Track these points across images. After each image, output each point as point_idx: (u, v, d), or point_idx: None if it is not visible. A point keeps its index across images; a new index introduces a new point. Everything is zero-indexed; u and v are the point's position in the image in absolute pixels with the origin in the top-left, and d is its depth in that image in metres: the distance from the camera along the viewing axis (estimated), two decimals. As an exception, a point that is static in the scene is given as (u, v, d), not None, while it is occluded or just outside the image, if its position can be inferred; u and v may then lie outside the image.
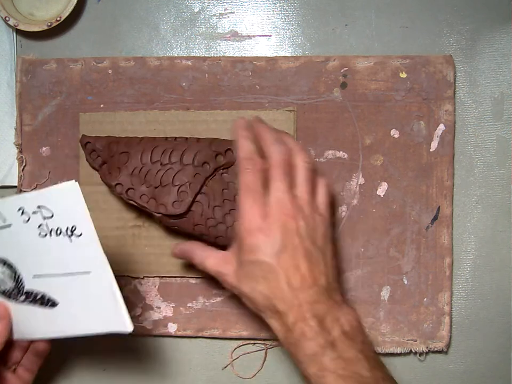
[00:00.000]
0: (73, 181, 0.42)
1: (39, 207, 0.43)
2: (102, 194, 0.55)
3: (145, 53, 0.57)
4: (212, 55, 0.56)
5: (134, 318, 0.56)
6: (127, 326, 0.43)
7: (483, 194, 0.55)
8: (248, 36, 0.56)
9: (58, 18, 0.55)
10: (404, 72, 0.54)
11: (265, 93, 0.55)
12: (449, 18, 0.55)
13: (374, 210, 0.54)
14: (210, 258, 0.47)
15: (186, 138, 0.53)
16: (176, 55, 0.56)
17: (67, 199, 0.42)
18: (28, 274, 0.46)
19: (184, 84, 0.55)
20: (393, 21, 0.55)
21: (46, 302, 0.46)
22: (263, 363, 0.56)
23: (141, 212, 0.54)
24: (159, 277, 0.56)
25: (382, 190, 0.54)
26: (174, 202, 0.50)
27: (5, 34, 0.57)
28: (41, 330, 0.47)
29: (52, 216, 0.43)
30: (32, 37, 0.57)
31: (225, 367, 0.56)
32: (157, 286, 0.56)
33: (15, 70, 0.57)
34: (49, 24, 0.55)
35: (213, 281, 0.55)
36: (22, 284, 0.46)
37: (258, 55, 0.56)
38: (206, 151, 0.51)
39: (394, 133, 0.54)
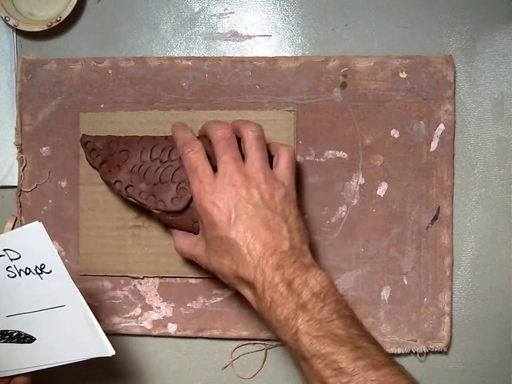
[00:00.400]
0: (37, 221, 0.42)
1: (4, 250, 0.43)
2: (101, 194, 0.55)
3: (145, 53, 0.57)
4: (212, 55, 0.56)
5: (133, 318, 0.56)
6: (108, 351, 0.44)
7: (483, 194, 0.55)
8: (248, 35, 0.56)
9: (58, 18, 0.55)
10: (403, 72, 0.54)
11: (265, 93, 0.55)
12: (449, 18, 0.55)
13: (374, 210, 0.54)
14: (185, 244, 0.49)
15: None
16: (176, 55, 0.56)
17: (32, 239, 0.43)
18: (1, 315, 0.46)
19: (184, 84, 0.55)
20: (393, 21, 0.55)
21: (23, 338, 0.47)
22: (263, 363, 0.56)
23: (141, 210, 0.54)
24: (158, 277, 0.56)
25: (382, 190, 0.54)
26: (173, 199, 0.50)
27: (5, 34, 0.57)
28: (21, 364, 0.47)
29: (19, 257, 0.43)
30: (32, 37, 0.57)
31: (225, 367, 0.56)
32: (156, 286, 0.56)
33: (15, 70, 0.57)
34: (49, 24, 0.55)
35: (213, 281, 0.55)
36: None
37: (258, 55, 0.56)
38: (206, 149, 0.51)
39: (394, 133, 0.54)
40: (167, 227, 0.54)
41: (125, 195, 0.51)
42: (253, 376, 0.56)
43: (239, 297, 0.55)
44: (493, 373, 0.55)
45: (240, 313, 0.55)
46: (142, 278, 0.56)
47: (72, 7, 0.54)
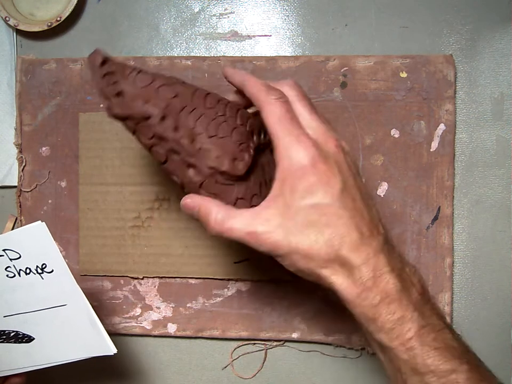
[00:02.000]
0: (40, 221, 0.42)
1: (4, 250, 0.43)
2: (101, 194, 0.55)
3: (145, 52, 0.57)
4: (212, 55, 0.56)
5: (133, 318, 0.56)
6: (110, 350, 0.44)
7: (483, 194, 0.55)
8: (248, 35, 0.56)
9: (58, 18, 0.55)
10: (404, 72, 0.54)
11: (265, 92, 0.55)
12: (449, 18, 0.55)
13: (374, 210, 0.54)
14: (238, 218, 0.36)
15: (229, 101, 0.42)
16: (176, 55, 0.56)
17: (34, 239, 0.42)
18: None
19: (184, 84, 0.55)
20: (393, 21, 0.55)
21: (20, 338, 0.46)
22: (263, 363, 0.56)
23: (143, 212, 0.54)
24: (158, 277, 0.56)
25: (382, 190, 0.54)
26: (234, 159, 0.38)
27: (5, 34, 0.57)
28: (20, 364, 0.47)
29: (20, 257, 0.43)
30: (32, 37, 0.57)
31: (225, 367, 0.56)
32: (156, 286, 0.56)
33: (15, 70, 0.57)
34: (49, 24, 0.55)
35: (213, 281, 0.55)
36: None
37: (258, 55, 0.56)
38: (257, 122, 0.41)
39: (395, 133, 0.54)
40: (167, 230, 0.54)
41: (160, 132, 0.38)
42: (253, 376, 0.56)
43: (239, 297, 0.55)
44: (493, 373, 0.55)
45: (240, 313, 0.55)
46: (142, 278, 0.56)
47: (72, 7, 0.55)
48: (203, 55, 0.56)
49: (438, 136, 0.54)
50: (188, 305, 0.55)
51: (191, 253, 0.55)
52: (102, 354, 0.45)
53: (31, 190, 0.56)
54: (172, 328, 0.56)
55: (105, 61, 0.39)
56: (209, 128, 0.38)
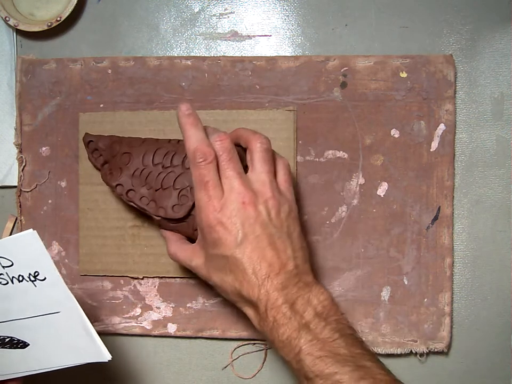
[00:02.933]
0: (31, 229, 0.41)
1: None
2: (101, 194, 0.55)
3: (145, 53, 0.57)
4: (212, 55, 0.56)
5: (133, 318, 0.56)
6: (104, 356, 0.44)
7: (483, 194, 0.55)
8: (248, 35, 0.56)
9: (58, 18, 0.55)
10: (404, 72, 0.54)
11: (265, 92, 0.55)
12: (449, 18, 0.55)
13: (374, 210, 0.54)
14: (182, 252, 0.48)
15: None
16: (176, 55, 0.56)
17: (26, 247, 0.42)
18: None
19: (184, 84, 0.55)
20: (393, 21, 0.55)
21: (15, 344, 0.46)
22: (263, 363, 0.56)
23: (141, 213, 0.54)
24: (158, 277, 0.56)
25: (382, 190, 0.54)
26: (174, 206, 0.50)
27: (5, 34, 0.57)
28: (14, 369, 0.47)
29: (12, 264, 0.43)
30: (32, 37, 0.57)
31: (225, 367, 0.56)
32: (156, 286, 0.56)
33: (15, 70, 0.57)
34: (49, 24, 0.55)
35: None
36: None
37: (258, 55, 0.56)
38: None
39: (395, 133, 0.54)
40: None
41: (126, 199, 0.51)
42: (253, 376, 0.56)
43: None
44: (493, 373, 0.55)
45: (240, 313, 0.55)
46: (142, 278, 0.56)
47: (72, 7, 0.55)
48: (203, 55, 0.56)
49: (438, 136, 0.54)
50: (188, 305, 0.55)
51: (191, 253, 0.55)
52: (96, 361, 0.45)
53: (31, 190, 0.56)
54: (171, 328, 0.56)
55: (90, 141, 0.53)
56: (155, 184, 0.50)
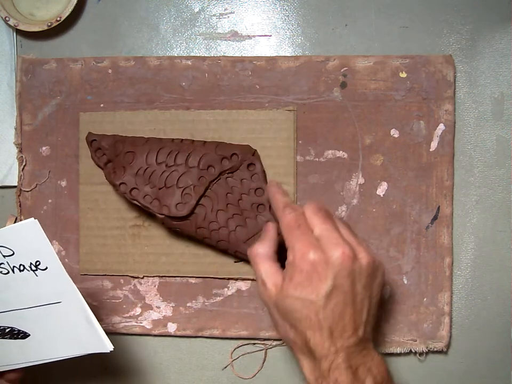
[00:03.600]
0: (32, 218, 0.42)
1: None
2: (102, 194, 0.55)
3: (145, 52, 0.57)
4: (212, 55, 0.56)
5: (133, 317, 0.56)
6: (106, 347, 0.44)
7: (483, 194, 0.55)
8: (248, 35, 0.56)
9: (58, 18, 0.55)
10: (403, 72, 0.54)
11: (265, 92, 0.55)
12: (449, 18, 0.55)
13: (374, 210, 0.54)
14: (267, 261, 0.44)
15: (193, 140, 0.53)
16: (176, 55, 0.56)
17: (27, 236, 0.42)
18: None
19: (184, 84, 0.55)
20: (393, 21, 0.55)
21: (16, 334, 0.46)
22: (263, 363, 0.56)
23: (143, 212, 0.54)
24: (158, 276, 0.56)
25: (382, 189, 0.54)
26: (177, 204, 0.50)
27: (5, 34, 0.57)
28: (15, 360, 0.47)
29: (13, 254, 0.43)
30: (32, 37, 0.57)
31: (225, 367, 0.56)
32: (156, 286, 0.56)
33: (15, 69, 0.57)
34: (49, 24, 0.55)
35: (213, 281, 0.55)
36: None
37: (258, 55, 0.56)
38: (212, 155, 0.52)
39: (394, 133, 0.54)
40: (170, 230, 0.54)
41: (130, 197, 0.51)
42: (253, 376, 0.56)
43: (239, 297, 0.55)
44: (493, 373, 0.55)
45: (240, 313, 0.55)
46: (142, 278, 0.56)
47: (72, 7, 0.55)
48: (203, 55, 0.56)
49: (437, 136, 0.54)
50: (188, 304, 0.56)
51: (191, 252, 0.55)
52: (97, 352, 0.44)
53: (31, 190, 0.56)
54: (172, 328, 0.56)
55: (93, 140, 0.54)
56: (158, 182, 0.51)
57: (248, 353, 0.56)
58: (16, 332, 0.46)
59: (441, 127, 0.54)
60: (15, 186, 0.57)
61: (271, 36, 0.56)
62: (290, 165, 0.54)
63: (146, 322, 0.56)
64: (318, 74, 0.54)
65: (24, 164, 0.56)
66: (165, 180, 0.51)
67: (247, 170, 0.52)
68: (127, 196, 0.52)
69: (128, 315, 0.56)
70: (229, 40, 0.57)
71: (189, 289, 0.55)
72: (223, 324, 0.55)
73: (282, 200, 0.46)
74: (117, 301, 0.56)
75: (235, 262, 0.54)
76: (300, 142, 0.55)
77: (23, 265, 0.43)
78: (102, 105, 0.56)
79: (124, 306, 0.56)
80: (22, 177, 0.56)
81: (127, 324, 0.56)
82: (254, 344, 0.56)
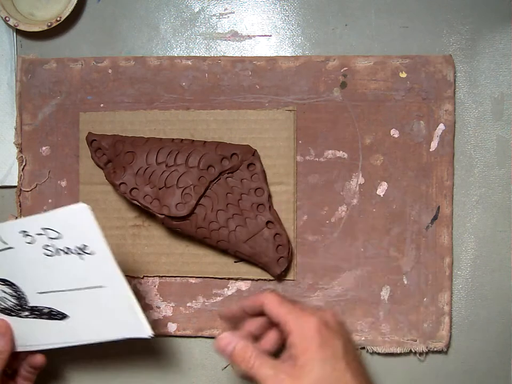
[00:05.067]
0: (84, 204, 0.42)
1: (43, 229, 0.43)
2: (102, 194, 0.55)
3: (145, 52, 0.57)
4: (212, 55, 0.56)
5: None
6: (146, 332, 0.44)
7: (483, 194, 0.55)
8: (248, 35, 0.57)
9: (58, 18, 0.55)
10: (403, 72, 0.54)
11: (265, 92, 0.55)
12: (449, 18, 0.55)
13: (374, 210, 0.54)
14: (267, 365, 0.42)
15: (193, 140, 0.53)
16: (176, 55, 0.56)
17: (76, 221, 0.43)
18: (32, 292, 0.46)
19: (184, 84, 0.55)
20: (393, 21, 0.55)
21: (54, 315, 0.47)
22: (263, 363, 0.56)
23: (143, 212, 0.54)
24: (158, 276, 0.56)
25: (381, 189, 0.54)
26: (177, 204, 0.51)
27: (5, 34, 0.57)
28: (51, 340, 0.48)
29: (59, 237, 0.43)
30: (32, 37, 0.57)
31: (225, 367, 0.56)
32: (156, 286, 0.56)
33: (15, 69, 0.57)
34: (49, 24, 0.55)
35: (213, 281, 0.55)
36: (25, 300, 0.47)
37: (258, 55, 0.56)
38: (212, 155, 0.52)
39: (394, 133, 0.54)
40: (170, 230, 0.54)
41: (130, 197, 0.51)
42: (253, 376, 0.56)
43: (239, 297, 0.55)
44: (493, 373, 0.55)
45: (240, 313, 0.55)
46: (142, 278, 0.56)
47: (72, 7, 0.55)
48: (203, 55, 0.56)
49: (437, 136, 0.54)
50: (188, 304, 0.56)
51: (191, 252, 0.55)
52: (137, 336, 0.45)
53: (31, 190, 0.56)
54: (172, 328, 0.56)
55: (94, 140, 0.54)
56: (158, 182, 0.51)
57: (248, 353, 0.56)
58: (54, 313, 0.46)
59: (441, 127, 0.54)
60: (15, 186, 0.57)
61: (271, 35, 0.56)
62: (290, 165, 0.54)
63: (146, 322, 0.56)
64: (318, 74, 0.55)
65: (24, 164, 0.56)
66: (165, 180, 0.51)
67: (247, 170, 0.52)
68: (127, 196, 0.52)
69: (128, 315, 0.56)
70: (229, 40, 0.57)
71: (189, 289, 0.55)
72: (223, 324, 0.55)
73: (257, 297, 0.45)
74: (117, 301, 0.56)
75: (235, 262, 0.54)
76: (300, 142, 0.55)
77: (69, 249, 0.43)
78: (102, 105, 0.56)
79: (124, 306, 0.56)
80: (22, 177, 0.56)
81: (127, 323, 0.56)
82: (254, 344, 0.56)
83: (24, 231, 0.44)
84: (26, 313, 0.47)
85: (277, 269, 0.52)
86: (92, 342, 0.47)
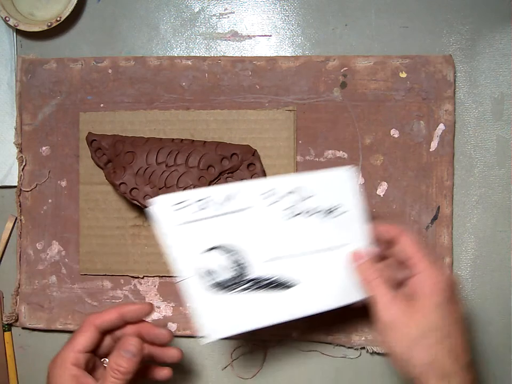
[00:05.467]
0: (350, 167, 0.44)
1: (294, 189, 0.44)
2: (102, 194, 0.55)
3: (145, 52, 0.57)
4: (212, 55, 0.56)
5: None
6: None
7: (483, 194, 0.55)
8: (248, 35, 0.57)
9: (58, 18, 0.55)
10: (403, 72, 0.54)
11: (265, 92, 0.55)
12: (449, 18, 0.55)
13: (374, 210, 0.54)
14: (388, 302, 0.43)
15: (193, 140, 0.53)
16: (176, 55, 0.56)
17: (338, 182, 0.44)
18: (259, 260, 0.44)
19: (184, 84, 0.55)
20: (393, 21, 0.55)
21: (278, 285, 0.45)
22: (263, 363, 0.56)
23: (143, 212, 0.54)
24: (158, 276, 0.56)
25: (382, 189, 0.54)
26: None
27: (5, 34, 0.57)
28: (268, 316, 0.45)
29: (312, 197, 0.44)
30: (32, 37, 0.57)
31: (225, 367, 0.56)
32: (156, 286, 0.56)
33: (15, 69, 0.57)
34: (49, 24, 0.55)
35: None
36: (246, 271, 0.44)
37: (258, 55, 0.56)
38: (212, 155, 0.52)
39: (394, 133, 0.54)
40: None
41: (130, 197, 0.52)
42: (253, 376, 0.56)
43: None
44: (493, 373, 0.55)
45: (240, 313, 0.55)
46: (142, 278, 0.56)
47: (72, 7, 0.55)
48: (203, 55, 0.56)
49: (437, 136, 0.54)
50: (187, 304, 0.56)
51: (191, 252, 0.55)
52: (358, 299, 0.46)
53: (31, 190, 0.56)
54: (172, 328, 0.56)
55: (94, 140, 0.54)
56: (158, 182, 0.51)
57: (248, 353, 0.56)
58: (280, 283, 0.45)
59: (441, 127, 0.54)
60: (15, 186, 0.57)
61: (271, 36, 0.56)
62: (290, 165, 0.54)
63: (146, 322, 0.56)
64: (318, 74, 0.55)
65: (24, 164, 0.56)
66: (165, 180, 0.51)
67: (247, 170, 0.52)
68: (127, 196, 0.52)
69: (128, 315, 0.56)
70: (229, 40, 0.57)
71: (189, 289, 0.55)
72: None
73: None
74: (117, 301, 0.56)
75: (235, 262, 0.54)
76: (300, 142, 0.55)
77: (318, 209, 0.44)
78: (102, 105, 0.56)
79: (124, 306, 0.56)
80: (22, 177, 0.56)
81: (127, 323, 0.56)
82: (254, 344, 0.56)
83: (267, 192, 0.44)
84: (243, 287, 0.45)
85: None
86: (315, 312, 0.46)
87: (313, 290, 0.46)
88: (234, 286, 0.45)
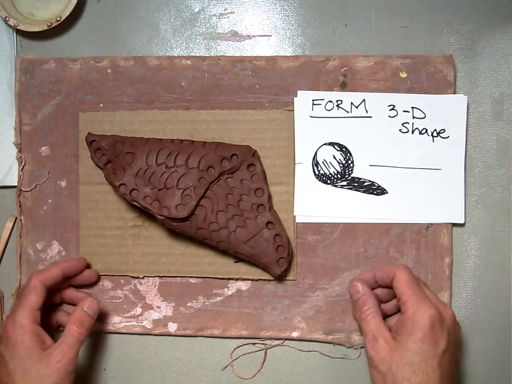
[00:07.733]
0: (462, 95, 0.51)
1: (412, 108, 0.49)
2: (102, 194, 0.55)
3: (145, 52, 0.57)
4: (212, 55, 0.56)
5: (134, 317, 0.56)
6: (460, 218, 0.52)
7: (483, 194, 0.55)
8: (248, 35, 0.56)
9: (58, 18, 0.55)
10: (404, 72, 0.54)
11: (265, 92, 0.55)
12: (449, 18, 0.55)
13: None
14: (377, 317, 0.48)
15: (193, 141, 0.53)
16: (176, 55, 0.56)
17: (448, 107, 0.51)
18: (364, 163, 0.51)
19: (184, 84, 0.55)
20: (393, 21, 0.55)
21: (373, 189, 0.51)
22: (263, 363, 0.56)
23: (143, 212, 0.54)
24: (159, 276, 0.56)
25: (382, 189, 0.54)
26: (177, 205, 0.50)
27: (5, 34, 0.57)
28: (361, 213, 0.52)
29: (424, 117, 0.50)
30: (32, 37, 0.57)
31: (225, 367, 0.56)
32: (157, 286, 0.56)
33: (15, 69, 0.57)
34: (49, 24, 0.55)
35: (213, 280, 0.55)
36: (350, 170, 0.51)
37: (258, 55, 0.56)
38: (212, 156, 0.51)
39: (394, 133, 0.54)
40: (170, 231, 0.54)
41: (129, 198, 0.51)
42: (253, 376, 0.56)
43: (239, 297, 0.55)
44: (493, 373, 0.55)
45: (240, 312, 0.55)
46: (142, 278, 0.56)
47: (72, 7, 0.55)
48: (203, 55, 0.56)
49: (437, 136, 0.54)
50: (188, 304, 0.56)
51: (191, 252, 0.55)
52: (449, 221, 0.52)
53: (31, 190, 0.56)
54: (172, 327, 0.56)
55: (93, 140, 0.54)
56: (158, 184, 0.51)
57: (248, 353, 0.56)
58: (375, 187, 0.51)
59: (441, 127, 0.54)
60: (15, 186, 0.57)
61: (271, 36, 0.56)
62: (290, 165, 0.54)
63: (147, 322, 0.56)
64: (318, 74, 0.54)
65: (23, 164, 0.56)
66: (165, 181, 0.51)
67: (247, 171, 0.52)
68: (127, 197, 0.52)
69: (128, 315, 0.56)
70: (229, 40, 0.57)
71: (189, 289, 0.55)
72: (223, 324, 0.55)
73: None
74: (117, 301, 0.56)
75: (235, 262, 0.54)
76: (300, 142, 0.55)
77: (426, 130, 0.49)
78: (101, 105, 0.56)
79: (124, 306, 0.56)
80: (21, 177, 0.56)
81: (127, 323, 0.56)
82: (254, 344, 0.56)
83: (392, 106, 0.51)
84: (344, 183, 0.51)
85: (277, 270, 0.52)
86: (405, 221, 0.52)
87: (401, 201, 0.52)
88: (336, 180, 0.51)
